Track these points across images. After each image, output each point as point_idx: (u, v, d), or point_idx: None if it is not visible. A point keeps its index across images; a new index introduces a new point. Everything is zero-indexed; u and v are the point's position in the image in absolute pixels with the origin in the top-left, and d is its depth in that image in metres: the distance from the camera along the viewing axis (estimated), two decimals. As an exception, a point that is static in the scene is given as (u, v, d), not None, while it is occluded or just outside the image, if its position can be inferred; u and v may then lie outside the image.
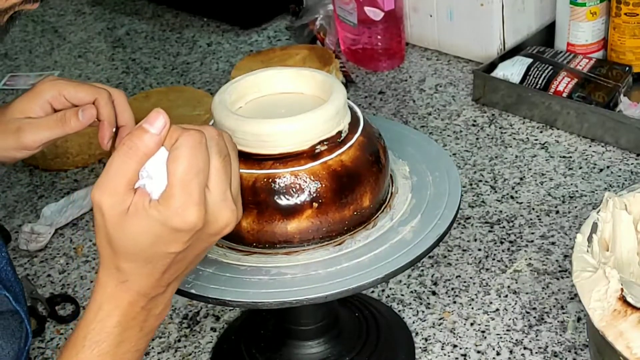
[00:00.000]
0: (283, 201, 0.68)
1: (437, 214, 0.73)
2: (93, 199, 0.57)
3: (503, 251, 0.96)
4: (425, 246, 0.69)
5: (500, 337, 0.85)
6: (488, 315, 0.87)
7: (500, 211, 1.02)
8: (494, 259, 0.95)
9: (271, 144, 0.69)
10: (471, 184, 1.08)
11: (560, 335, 0.84)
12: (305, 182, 0.68)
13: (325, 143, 0.70)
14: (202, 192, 0.57)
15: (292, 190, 0.68)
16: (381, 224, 0.72)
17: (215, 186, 0.58)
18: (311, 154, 0.69)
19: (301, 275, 0.68)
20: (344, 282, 0.66)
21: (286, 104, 0.75)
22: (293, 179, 0.68)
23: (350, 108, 0.75)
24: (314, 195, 0.68)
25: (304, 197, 0.68)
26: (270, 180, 0.68)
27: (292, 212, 0.69)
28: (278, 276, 0.68)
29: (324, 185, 0.68)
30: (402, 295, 0.91)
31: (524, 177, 1.08)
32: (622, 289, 0.66)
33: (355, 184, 0.70)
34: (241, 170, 0.68)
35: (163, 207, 0.57)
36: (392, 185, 0.77)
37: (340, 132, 0.71)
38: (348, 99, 0.74)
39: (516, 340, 0.84)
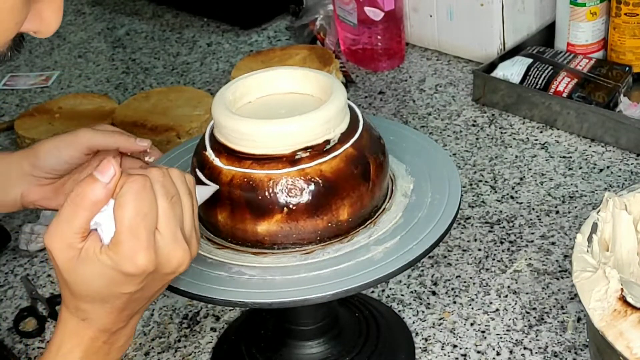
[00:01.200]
0: (254, 202, 0.68)
1: (416, 238, 0.70)
2: (45, 244, 0.59)
3: (503, 251, 0.96)
4: (390, 269, 0.66)
5: (500, 337, 0.85)
6: (488, 315, 0.87)
7: (500, 211, 1.02)
8: (494, 259, 0.95)
9: (252, 143, 0.69)
10: (471, 184, 1.08)
11: (560, 335, 0.84)
12: (278, 186, 0.68)
13: (308, 150, 0.69)
14: (151, 235, 0.58)
15: (265, 193, 0.68)
16: (357, 240, 0.70)
17: (164, 227, 0.59)
18: (290, 159, 0.68)
19: (257, 278, 0.68)
20: (292, 292, 0.66)
21: (285, 105, 0.75)
22: (267, 182, 0.68)
23: (354, 115, 0.74)
24: (285, 200, 0.68)
25: (275, 200, 0.68)
26: (246, 179, 0.68)
27: (262, 214, 0.68)
28: (236, 275, 0.68)
29: (296, 192, 0.68)
30: (402, 295, 0.92)
31: (524, 177, 1.08)
32: (622, 289, 0.66)
33: (331, 196, 0.69)
34: (222, 166, 0.70)
35: (112, 253, 0.57)
36: (388, 201, 0.75)
37: (328, 141, 0.70)
38: (348, 99, 0.73)
39: (516, 340, 0.84)
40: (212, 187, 0.69)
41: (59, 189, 0.86)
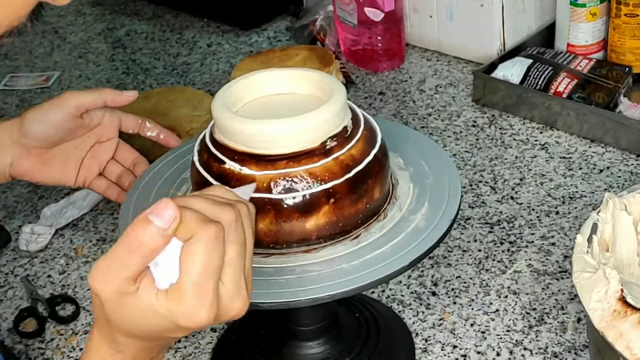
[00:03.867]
0: (300, 199, 0.68)
1: (443, 199, 0.74)
2: (90, 284, 0.54)
3: (503, 252, 0.96)
4: (440, 232, 0.70)
5: (500, 338, 0.85)
6: (488, 315, 0.87)
7: (500, 212, 1.02)
8: (494, 260, 0.95)
9: (283, 143, 0.69)
10: (471, 185, 1.08)
11: (560, 335, 0.84)
12: (321, 178, 0.68)
13: (334, 139, 0.70)
14: (216, 290, 0.54)
15: (309, 188, 0.68)
16: (391, 215, 0.73)
17: (229, 279, 0.56)
18: (323, 151, 0.69)
19: (328, 270, 0.68)
20: (372, 273, 0.67)
21: (287, 105, 0.75)
22: (309, 177, 0.68)
23: (357, 116, 0.75)
24: (330, 191, 0.69)
25: (320, 193, 0.68)
26: (285, 179, 0.68)
27: (309, 209, 0.69)
28: (304, 274, 0.68)
29: (339, 181, 0.69)
30: (402, 295, 0.92)
31: (524, 177, 1.08)
32: (622, 290, 0.66)
33: (367, 177, 0.71)
34: (255, 172, 0.68)
35: (173, 307, 0.53)
36: (392, 177, 0.78)
37: (346, 127, 0.71)
38: (348, 99, 0.74)
39: (516, 340, 0.84)
40: (250, 186, 0.67)
41: (48, 160, 0.83)
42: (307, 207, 0.69)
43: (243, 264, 0.57)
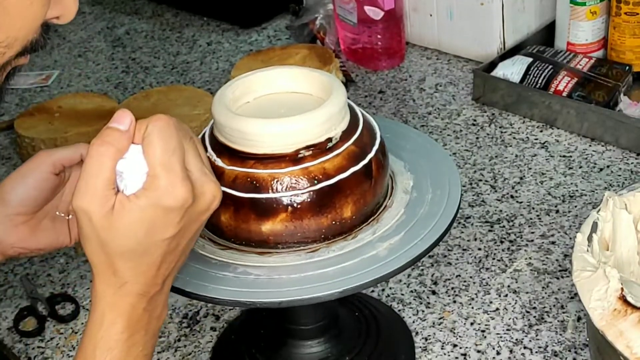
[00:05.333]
0: (258, 201, 0.68)
1: (420, 234, 0.70)
2: (76, 207, 0.58)
3: (503, 250, 0.96)
4: (395, 266, 0.67)
5: (500, 337, 0.85)
6: (488, 314, 0.87)
7: (500, 210, 1.02)
8: (494, 259, 0.95)
9: (255, 143, 0.69)
10: (471, 184, 1.08)
11: (560, 334, 0.84)
12: (282, 185, 0.68)
13: (310, 148, 0.69)
14: (184, 168, 0.59)
15: (268, 192, 0.68)
16: (361, 237, 0.71)
17: (192, 164, 0.60)
18: (293, 158, 0.68)
19: (264, 277, 0.68)
20: (300, 290, 0.66)
21: (285, 104, 0.75)
22: (270, 181, 0.68)
23: (354, 113, 0.74)
24: (290, 199, 0.68)
25: (279, 200, 0.68)
26: (249, 179, 0.68)
27: (266, 213, 0.68)
28: (242, 275, 0.68)
29: (300, 191, 0.68)
30: (402, 294, 0.91)
31: (524, 176, 1.08)
32: (622, 289, 0.66)
33: (335, 194, 0.69)
34: (224, 166, 0.69)
35: (151, 191, 0.58)
36: (389, 198, 0.75)
37: (330, 139, 0.70)
38: (348, 98, 0.73)
39: (516, 339, 0.84)
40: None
41: (35, 227, 0.79)
42: (264, 210, 0.68)
43: (198, 153, 0.62)
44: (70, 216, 0.82)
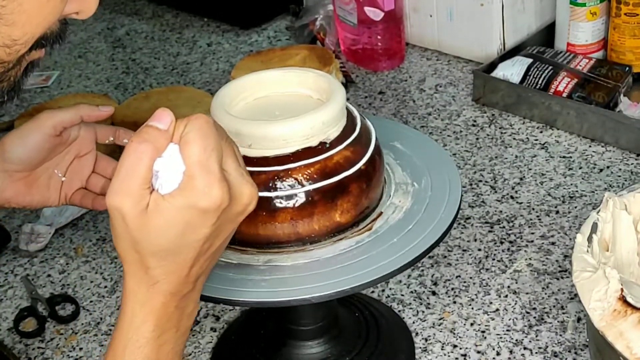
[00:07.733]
0: (258, 203, 0.67)
1: (420, 234, 0.71)
2: (110, 205, 0.56)
3: (503, 251, 0.96)
4: (395, 266, 0.67)
5: (500, 337, 0.85)
6: (488, 315, 0.87)
7: (500, 211, 1.02)
8: (494, 259, 0.95)
9: (252, 145, 0.69)
10: (471, 184, 1.08)
11: (560, 335, 0.84)
12: (280, 186, 0.68)
13: (307, 150, 0.69)
14: (221, 169, 0.58)
15: (266, 193, 0.68)
16: (361, 237, 0.72)
17: (229, 164, 0.59)
18: (290, 160, 0.69)
19: (263, 277, 0.68)
20: (299, 290, 0.66)
21: (284, 106, 0.75)
22: (268, 182, 0.68)
23: (351, 115, 0.74)
24: (287, 201, 0.69)
25: (276, 201, 0.68)
26: None
27: (263, 214, 0.69)
28: (241, 275, 0.69)
29: (297, 192, 0.68)
30: (402, 295, 0.91)
31: (524, 177, 1.08)
32: (622, 289, 0.66)
33: (332, 195, 0.69)
34: None
35: (187, 192, 0.56)
36: (388, 199, 0.76)
37: (326, 141, 0.70)
38: (348, 99, 0.74)
39: (516, 340, 0.84)
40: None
41: (32, 183, 0.82)
42: (261, 211, 0.68)
43: (235, 154, 0.61)
44: (64, 178, 0.83)
